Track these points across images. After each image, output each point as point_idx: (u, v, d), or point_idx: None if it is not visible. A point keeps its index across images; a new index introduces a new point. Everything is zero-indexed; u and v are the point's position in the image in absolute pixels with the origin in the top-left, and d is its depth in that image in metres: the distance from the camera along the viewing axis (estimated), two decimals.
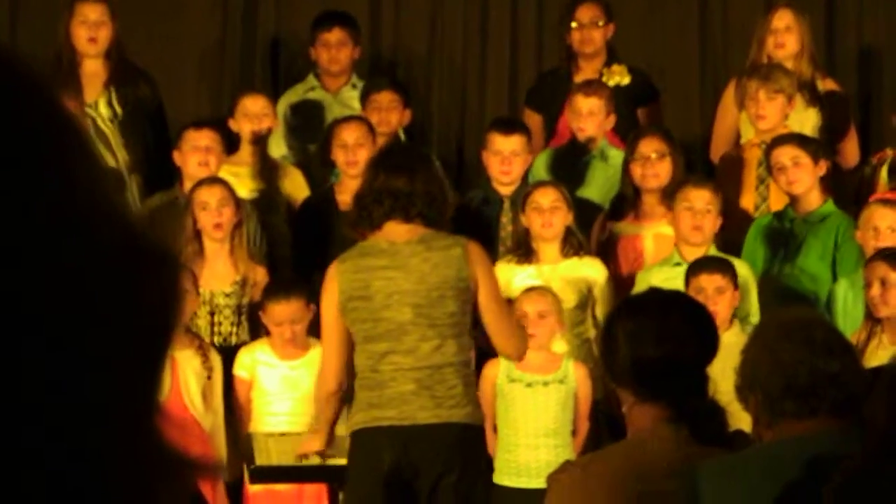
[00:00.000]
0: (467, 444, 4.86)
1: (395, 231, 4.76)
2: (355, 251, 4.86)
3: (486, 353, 5.30)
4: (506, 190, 5.94)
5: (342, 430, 5.10)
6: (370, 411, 4.85)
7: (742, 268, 5.32)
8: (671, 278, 5.13)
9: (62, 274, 0.57)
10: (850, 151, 6.26)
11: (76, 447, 0.56)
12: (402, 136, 6.35)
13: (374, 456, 4.83)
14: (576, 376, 5.38)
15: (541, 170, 5.98)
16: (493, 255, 5.51)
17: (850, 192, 5.87)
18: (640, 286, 5.19)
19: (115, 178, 5.94)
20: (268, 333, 5.39)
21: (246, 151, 5.90)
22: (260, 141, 5.90)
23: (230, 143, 5.89)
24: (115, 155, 5.93)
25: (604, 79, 6.30)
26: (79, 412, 0.57)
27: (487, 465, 5.30)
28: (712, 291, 5.04)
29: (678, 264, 5.25)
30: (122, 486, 0.58)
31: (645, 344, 3.38)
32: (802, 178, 5.52)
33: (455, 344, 4.85)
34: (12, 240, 0.58)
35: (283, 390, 5.39)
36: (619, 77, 6.41)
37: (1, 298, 0.57)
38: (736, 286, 5.20)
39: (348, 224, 5.09)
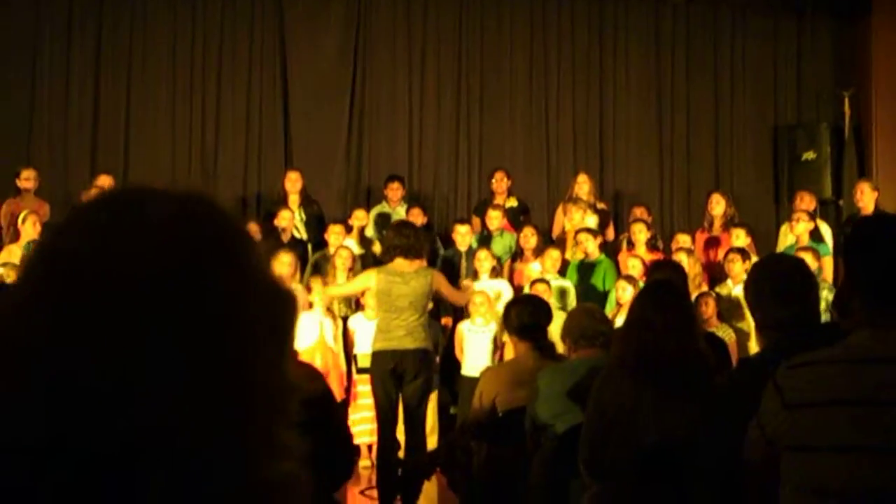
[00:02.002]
0: (427, 356, 8.36)
1: (403, 263, 8.26)
2: (385, 269, 8.36)
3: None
4: (463, 249, 11.03)
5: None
6: (384, 342, 8.26)
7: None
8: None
9: (249, 316, 1.04)
10: (610, 234, 11.59)
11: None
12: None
13: (385, 361, 8.24)
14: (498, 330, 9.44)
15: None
16: (456, 278, 10.64)
17: (614, 250, 11.20)
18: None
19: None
20: None
21: None
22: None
23: None
24: None
25: (506, 204, 11.90)
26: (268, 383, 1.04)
27: (455, 364, 9.74)
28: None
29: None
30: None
31: (522, 316, 6.10)
32: (592, 245, 10.90)
33: (422, 316, 8.30)
34: (223, 299, 1.02)
35: None
36: (511, 203, 12.01)
37: (226, 332, 1.01)
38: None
39: (382, 255, 8.69)
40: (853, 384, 2.60)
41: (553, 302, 9.29)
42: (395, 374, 8.27)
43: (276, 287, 1.09)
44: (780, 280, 3.66)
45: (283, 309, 1.09)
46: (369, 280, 8.61)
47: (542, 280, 9.99)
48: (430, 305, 9.08)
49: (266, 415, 1.05)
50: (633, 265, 10.29)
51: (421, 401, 8.39)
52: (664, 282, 5.24)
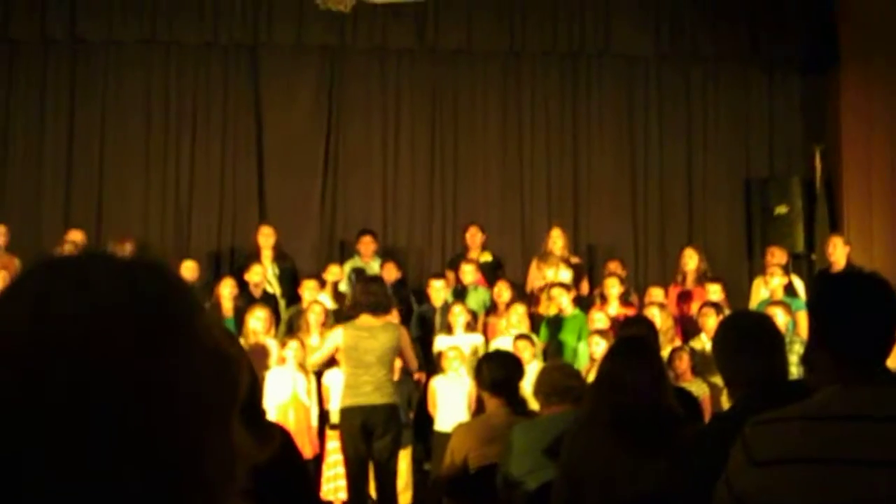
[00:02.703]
0: (395, 412, 8.44)
1: (370, 319, 8.35)
2: (352, 324, 8.41)
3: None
4: (437, 304, 11.04)
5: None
6: (353, 398, 8.30)
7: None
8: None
9: (195, 383, 1.04)
10: (584, 289, 11.71)
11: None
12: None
13: (354, 417, 8.27)
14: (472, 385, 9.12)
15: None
16: (430, 333, 10.72)
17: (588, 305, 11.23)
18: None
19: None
20: None
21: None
22: None
23: None
24: None
25: (480, 259, 12.05)
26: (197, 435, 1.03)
27: (428, 419, 9.56)
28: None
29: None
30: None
31: (493, 372, 6.16)
32: (566, 300, 11.01)
33: (389, 370, 8.41)
34: (167, 368, 1.02)
35: None
36: (485, 258, 12.16)
37: (171, 400, 1.01)
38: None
39: (349, 311, 8.86)
40: (817, 441, 2.59)
41: (522, 356, 9.27)
42: (365, 431, 8.28)
43: (223, 353, 1.09)
44: (746, 336, 3.66)
45: (229, 375, 1.09)
46: (336, 336, 8.63)
47: (524, 336, 9.95)
48: (400, 362, 9.12)
49: (217, 482, 1.05)
50: (600, 319, 10.28)
51: (391, 456, 8.41)
52: (634, 338, 5.25)
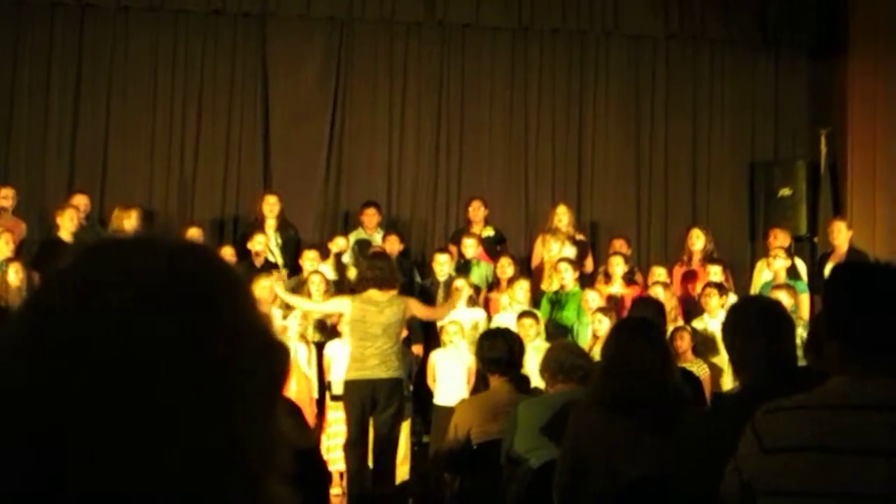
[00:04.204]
0: (400, 385, 8.58)
1: (377, 293, 8.52)
2: (360, 297, 8.59)
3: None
4: (441, 278, 10.93)
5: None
6: (358, 371, 8.43)
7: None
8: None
9: (242, 369, 1.04)
10: (588, 266, 11.72)
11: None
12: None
13: (359, 390, 8.41)
14: (472, 360, 9.05)
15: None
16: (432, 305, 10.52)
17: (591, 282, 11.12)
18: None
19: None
20: None
21: None
22: None
23: None
24: None
25: (482, 233, 12.00)
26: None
27: (428, 393, 9.63)
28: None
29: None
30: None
31: (494, 349, 6.35)
32: (570, 276, 10.83)
33: (396, 344, 8.50)
34: (214, 353, 1.02)
35: None
36: (487, 232, 12.10)
37: (218, 386, 1.01)
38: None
39: (355, 285, 9.01)
40: (828, 430, 2.62)
41: (526, 333, 9.33)
42: (370, 403, 8.36)
43: (269, 338, 1.09)
44: (758, 321, 3.69)
45: (276, 360, 1.10)
46: (343, 305, 8.74)
47: (529, 313, 9.95)
48: (405, 333, 9.13)
49: (259, 468, 1.05)
50: (594, 299, 10.30)
51: (392, 429, 8.48)
52: (638, 319, 5.29)
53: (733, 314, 3.86)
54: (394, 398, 8.42)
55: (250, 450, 1.04)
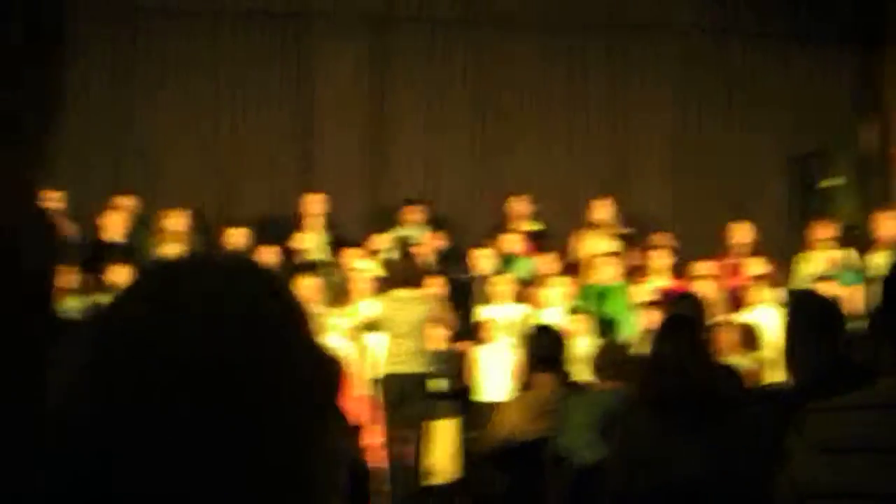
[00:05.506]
0: (423, 381, 8.86)
1: (404, 292, 8.86)
2: (389, 295, 8.97)
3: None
4: (482, 273, 10.93)
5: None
6: (390, 366, 8.86)
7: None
8: None
9: (302, 381, 1.07)
10: (630, 260, 11.34)
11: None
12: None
13: (392, 385, 8.83)
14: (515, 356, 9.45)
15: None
16: (474, 302, 10.71)
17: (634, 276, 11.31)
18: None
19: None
20: None
21: None
22: None
23: None
24: None
25: (524, 228, 12.11)
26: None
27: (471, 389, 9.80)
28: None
29: None
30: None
31: (539, 347, 6.93)
32: (613, 270, 11.05)
33: (421, 340, 8.85)
34: (275, 373, 1.05)
35: None
36: (529, 227, 12.21)
37: (279, 405, 1.04)
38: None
39: (384, 284, 9.50)
40: (880, 431, 2.61)
41: (577, 328, 9.36)
42: (401, 397, 8.58)
43: (325, 356, 1.12)
44: (816, 320, 3.69)
45: (329, 376, 1.14)
46: (374, 306, 9.00)
47: (575, 308, 10.01)
48: (451, 330, 9.17)
49: (316, 483, 1.07)
50: (647, 291, 10.33)
51: (423, 422, 8.72)
52: (677, 317, 5.28)
53: (791, 312, 3.86)
54: (421, 393, 8.61)
55: (311, 463, 1.06)
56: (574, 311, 9.92)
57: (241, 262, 1.14)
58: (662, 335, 4.70)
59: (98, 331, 1.08)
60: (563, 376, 6.26)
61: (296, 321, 1.10)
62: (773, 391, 4.47)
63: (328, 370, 1.13)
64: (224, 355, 1.04)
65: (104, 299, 9.03)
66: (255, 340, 1.05)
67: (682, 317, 5.38)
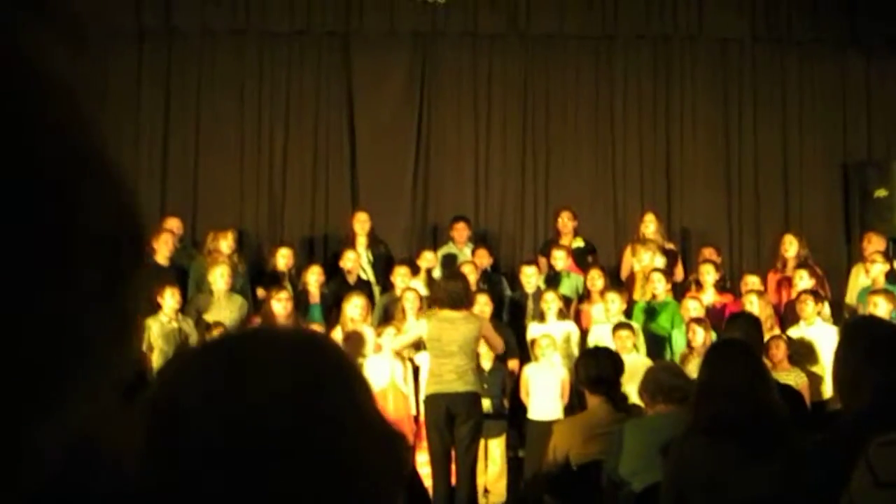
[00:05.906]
0: (477, 400, 8.55)
1: (451, 312, 8.48)
2: (436, 315, 8.61)
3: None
4: (529, 291, 11.02)
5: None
6: (436, 386, 8.53)
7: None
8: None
9: (367, 462, 1.04)
10: (679, 275, 11.59)
11: None
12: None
13: (437, 404, 8.49)
14: (565, 373, 9.58)
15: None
16: (523, 319, 10.78)
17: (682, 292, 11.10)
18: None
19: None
20: None
21: None
22: None
23: None
24: None
25: (572, 244, 11.94)
26: None
27: (522, 407, 9.65)
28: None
29: None
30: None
31: (591, 369, 6.45)
32: (662, 286, 10.84)
33: (472, 360, 8.56)
34: (341, 447, 1.03)
35: None
36: (577, 244, 12.06)
37: (345, 481, 1.02)
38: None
39: (431, 304, 9.13)
40: None
41: (623, 345, 9.30)
42: (448, 417, 8.43)
43: (389, 429, 1.09)
44: (875, 344, 3.60)
45: (395, 453, 1.09)
46: (421, 326, 8.85)
47: (625, 325, 9.87)
48: (491, 352, 9.23)
49: None
50: (696, 307, 10.20)
51: (471, 443, 8.51)
52: (730, 341, 5.21)
53: (850, 333, 3.78)
54: (472, 412, 8.46)
55: None
56: (619, 326, 9.80)
57: (306, 335, 1.13)
58: (713, 360, 4.61)
59: (161, 405, 1.07)
60: (616, 398, 6.19)
61: (361, 396, 1.08)
62: (837, 419, 4.35)
63: (393, 447, 1.10)
64: (277, 434, 1.01)
65: (154, 323, 9.27)
66: (314, 418, 1.03)
67: (735, 341, 5.28)
